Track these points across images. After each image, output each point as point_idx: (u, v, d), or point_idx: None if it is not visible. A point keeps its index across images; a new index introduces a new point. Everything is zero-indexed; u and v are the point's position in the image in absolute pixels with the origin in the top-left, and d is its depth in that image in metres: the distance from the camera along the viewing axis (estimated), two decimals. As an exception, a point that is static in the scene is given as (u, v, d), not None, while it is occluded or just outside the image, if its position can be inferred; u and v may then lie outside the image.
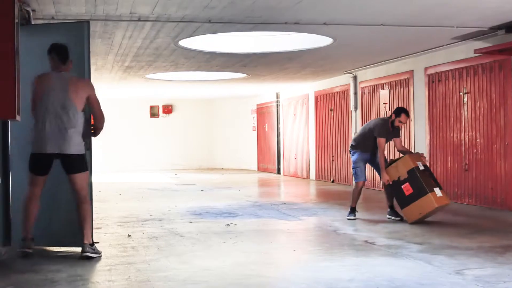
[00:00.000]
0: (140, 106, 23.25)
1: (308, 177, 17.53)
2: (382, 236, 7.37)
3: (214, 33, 9.33)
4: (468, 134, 10.42)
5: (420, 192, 8.20)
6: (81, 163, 6.13)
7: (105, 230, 7.99)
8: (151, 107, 23.51)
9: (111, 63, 12.31)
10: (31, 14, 7.07)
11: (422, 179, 8.22)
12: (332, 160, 15.86)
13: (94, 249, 6.10)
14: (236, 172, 21.31)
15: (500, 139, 9.68)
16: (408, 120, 8.96)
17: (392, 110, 12.69)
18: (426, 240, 7.02)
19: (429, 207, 8.17)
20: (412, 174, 8.30)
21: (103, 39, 9.54)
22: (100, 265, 5.80)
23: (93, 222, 8.45)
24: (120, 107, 22.88)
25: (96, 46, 10.12)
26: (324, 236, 7.77)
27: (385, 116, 11.30)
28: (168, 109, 23.55)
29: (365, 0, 7.43)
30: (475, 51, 8.99)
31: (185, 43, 10.19)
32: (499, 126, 9.69)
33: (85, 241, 6.05)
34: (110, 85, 16.82)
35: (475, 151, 10.26)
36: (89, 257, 5.99)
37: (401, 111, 8.77)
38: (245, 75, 14.85)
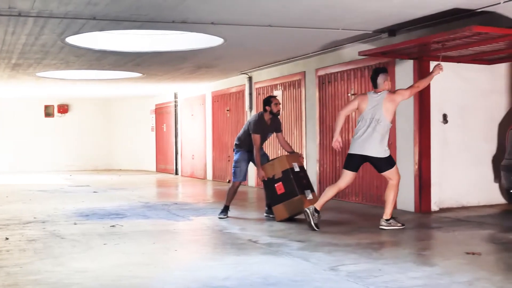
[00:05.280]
0: (34, 105, 22.49)
1: (205, 178, 17.51)
2: (266, 235, 7.45)
3: (101, 30, 9.11)
4: (355, 134, 10.67)
5: (291, 193, 8.44)
6: None
7: (-18, 233, 7.66)
8: (46, 107, 22.77)
9: (-4, 60, 11.84)
10: None
11: (294, 181, 8.45)
12: (228, 161, 15.89)
13: (389, 223, 7.78)
14: (134, 173, 21.01)
15: (384, 139, 9.95)
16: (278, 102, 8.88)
17: (286, 111, 13.00)
18: (308, 238, 7.14)
19: (297, 208, 8.43)
20: (286, 174, 8.49)
21: (-16, 34, 9.14)
22: (-32, 270, 5.54)
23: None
24: (12, 107, 22.09)
25: (-23, 41, 9.70)
26: (209, 236, 7.77)
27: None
28: (63, 109, 22.88)
29: (251, 0, 7.45)
30: (359, 53, 9.23)
31: (73, 40, 9.92)
32: (383, 126, 9.96)
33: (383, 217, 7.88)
34: (-1, 83, 16.19)
35: (361, 150, 10.51)
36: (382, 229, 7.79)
37: (268, 97, 8.87)
38: (140, 74, 14.64)
